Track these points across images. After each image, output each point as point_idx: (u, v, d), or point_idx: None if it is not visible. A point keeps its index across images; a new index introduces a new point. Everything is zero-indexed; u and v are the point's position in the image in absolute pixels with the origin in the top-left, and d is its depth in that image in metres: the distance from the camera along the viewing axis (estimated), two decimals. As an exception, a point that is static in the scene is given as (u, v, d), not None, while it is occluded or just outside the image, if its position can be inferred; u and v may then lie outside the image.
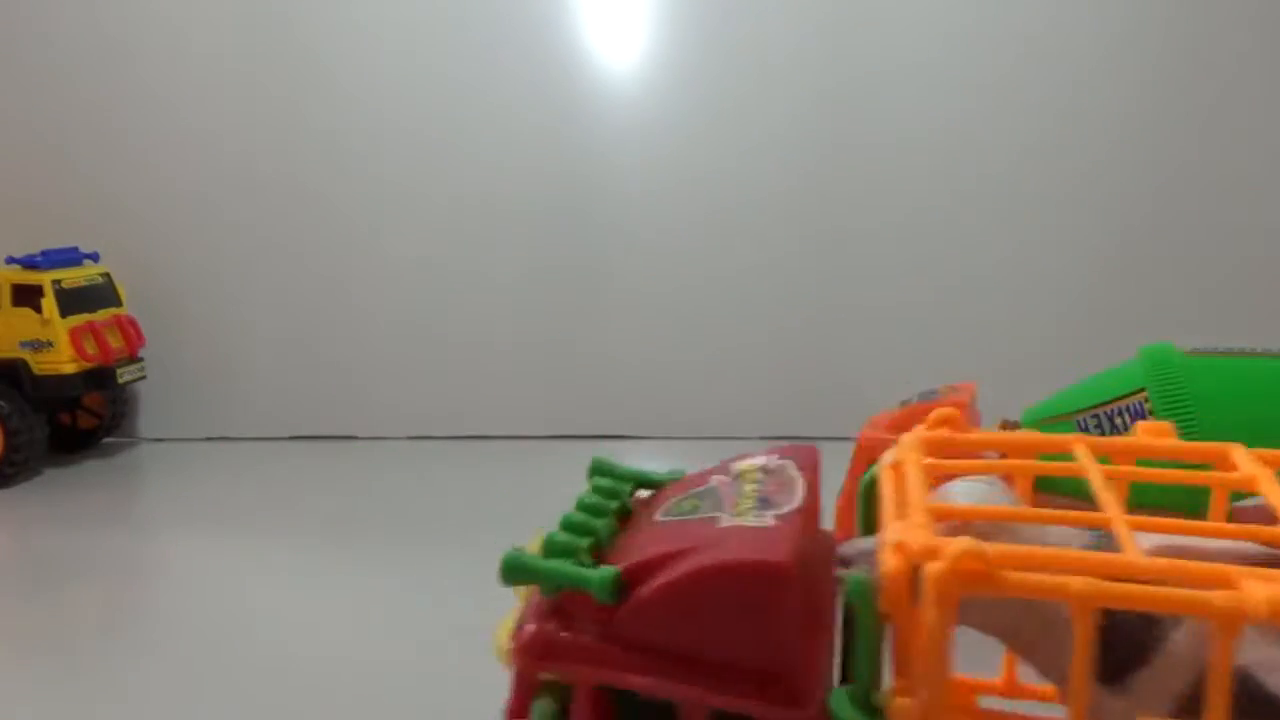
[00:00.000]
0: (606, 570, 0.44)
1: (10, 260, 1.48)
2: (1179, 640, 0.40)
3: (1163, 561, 0.37)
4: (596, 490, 0.52)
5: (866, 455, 0.89)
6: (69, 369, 1.45)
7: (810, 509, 0.47)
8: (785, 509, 0.46)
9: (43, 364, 1.45)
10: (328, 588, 1.03)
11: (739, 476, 0.51)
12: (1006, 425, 0.94)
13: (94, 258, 1.56)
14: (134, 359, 1.55)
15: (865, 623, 0.41)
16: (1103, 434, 0.82)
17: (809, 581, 0.44)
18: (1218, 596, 0.35)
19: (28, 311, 1.44)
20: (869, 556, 0.42)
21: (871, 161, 1.56)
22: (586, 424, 1.60)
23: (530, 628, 0.45)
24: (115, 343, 1.52)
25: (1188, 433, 0.79)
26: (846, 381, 1.55)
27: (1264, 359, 0.83)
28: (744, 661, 0.43)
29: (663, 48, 1.56)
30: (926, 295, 1.56)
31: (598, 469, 0.55)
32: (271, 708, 0.81)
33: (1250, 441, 0.59)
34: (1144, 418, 0.80)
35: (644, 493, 0.56)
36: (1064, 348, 1.50)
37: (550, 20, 1.55)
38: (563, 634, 0.45)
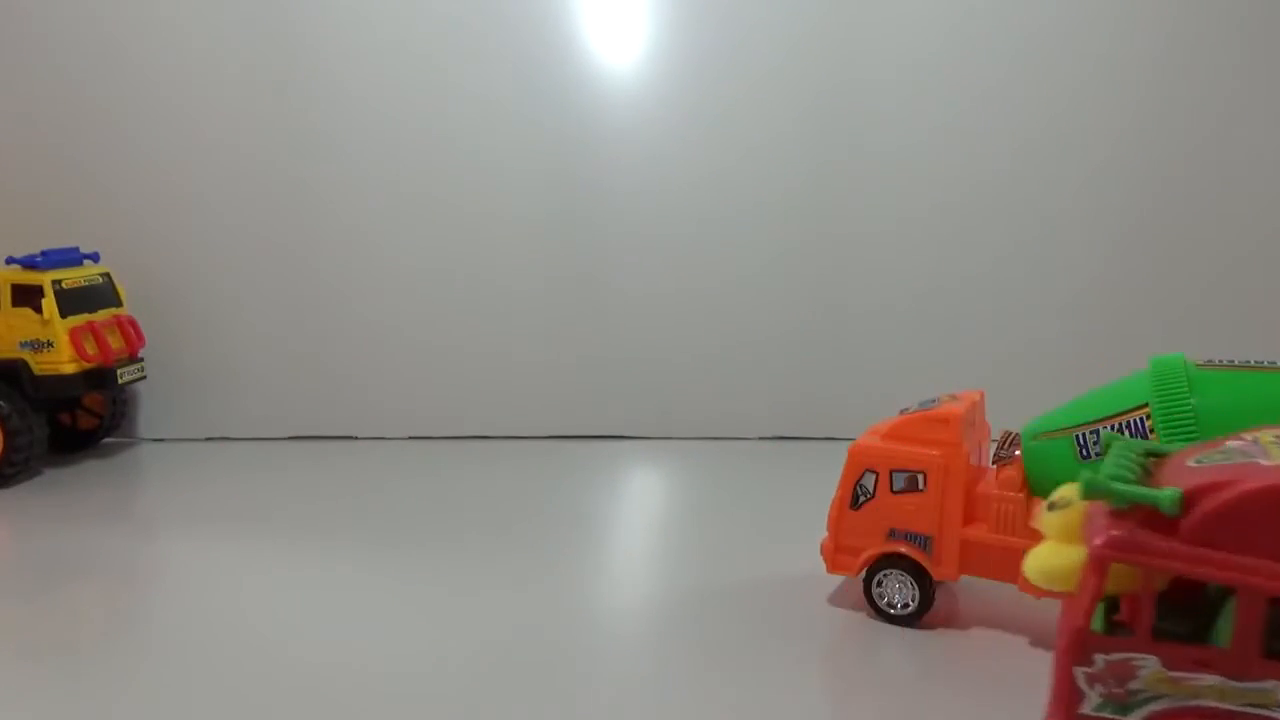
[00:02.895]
0: (1172, 490, 0.55)
1: (10, 260, 1.48)
2: None
3: None
4: (1117, 455, 0.63)
5: (857, 463, 0.93)
6: (69, 369, 1.45)
7: None
8: None
9: (43, 364, 1.45)
10: (328, 588, 1.02)
11: (1256, 440, 0.61)
12: (1007, 436, 0.96)
13: (94, 258, 1.55)
14: (134, 359, 1.55)
15: None
16: (1102, 455, 0.78)
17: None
18: None
19: (28, 311, 1.44)
20: None
21: (876, 163, 1.55)
22: (586, 424, 1.59)
23: (1111, 529, 0.57)
24: (115, 343, 1.51)
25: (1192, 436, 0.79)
26: (850, 383, 1.55)
27: (1275, 373, 0.83)
28: None
29: (664, 51, 1.56)
30: (932, 297, 1.55)
31: (1109, 442, 0.66)
32: (271, 708, 0.80)
33: None
34: (1145, 435, 0.82)
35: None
36: (1075, 353, 1.53)
37: (552, 23, 1.56)
38: (1139, 534, 0.57)
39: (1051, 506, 0.64)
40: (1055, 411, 0.91)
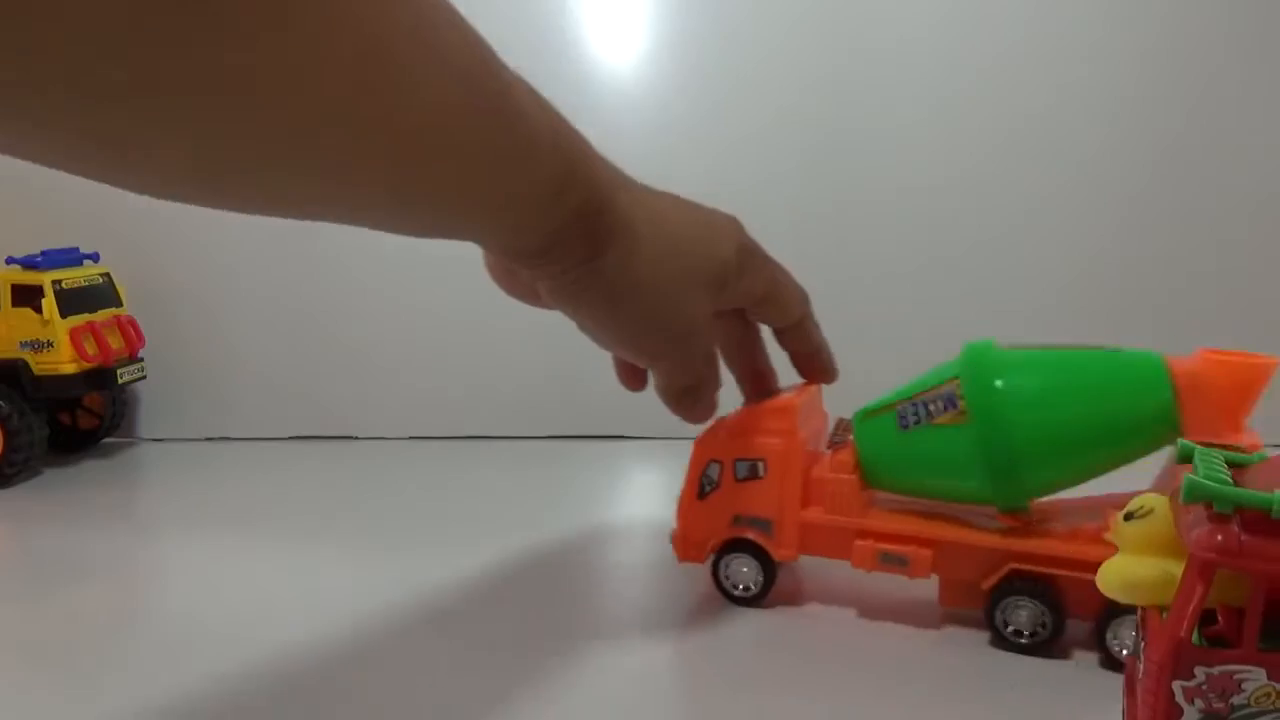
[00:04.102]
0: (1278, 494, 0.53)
1: (10, 260, 1.48)
2: None
3: None
4: (1204, 461, 0.61)
5: (702, 455, 0.99)
6: (69, 369, 1.44)
7: None
8: None
9: (43, 364, 1.44)
10: (328, 588, 1.02)
11: None
12: (840, 423, 1.03)
13: (94, 258, 1.55)
14: (134, 359, 1.55)
15: None
16: (918, 420, 0.91)
17: None
18: None
19: (28, 311, 1.44)
20: None
21: (873, 155, 1.58)
22: (586, 424, 1.59)
23: (1216, 534, 0.55)
24: (115, 343, 1.51)
25: (993, 417, 0.88)
26: (848, 381, 1.55)
27: (1076, 351, 0.92)
28: None
29: (661, 47, 1.58)
30: (930, 292, 1.57)
31: (1188, 451, 0.63)
32: (271, 708, 0.81)
33: (1051, 429, 0.87)
34: (955, 404, 0.89)
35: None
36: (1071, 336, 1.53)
37: (549, 19, 1.58)
38: (1247, 538, 0.54)
39: (1129, 517, 0.63)
40: (884, 395, 0.97)
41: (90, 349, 1.46)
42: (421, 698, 0.82)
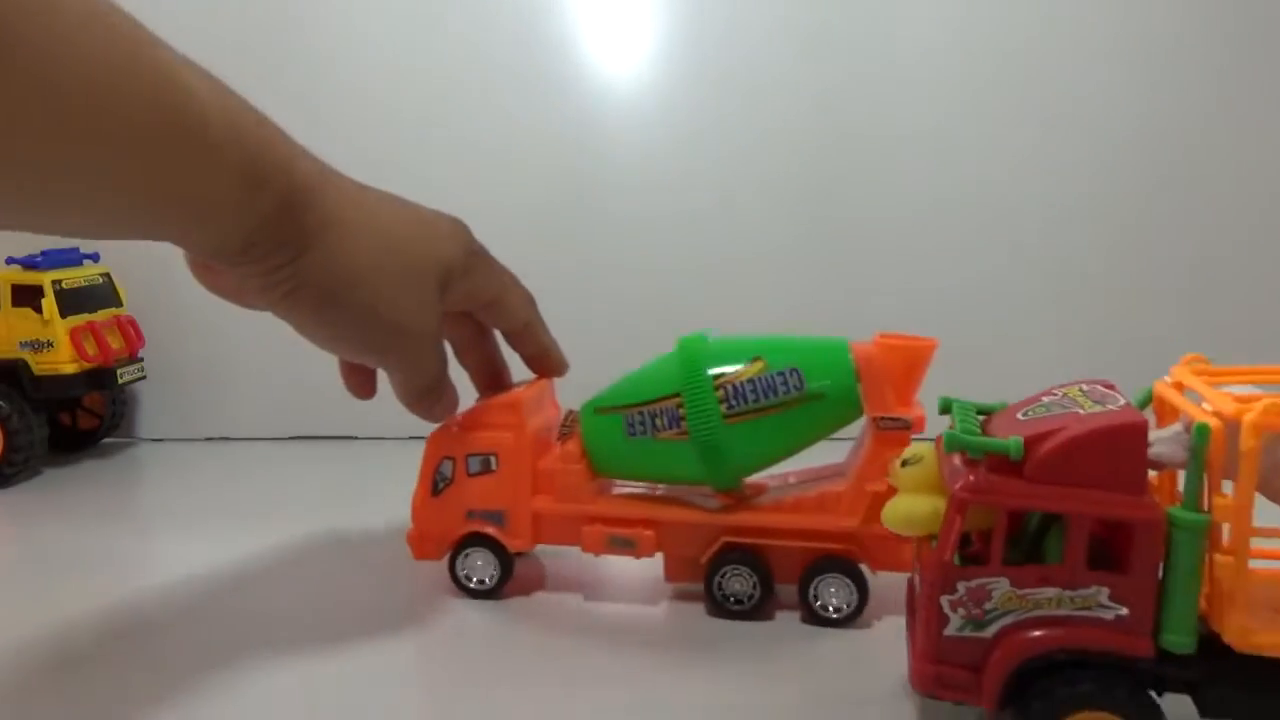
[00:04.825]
0: (1016, 439, 0.68)
1: (10, 260, 1.52)
2: None
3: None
4: (960, 414, 0.76)
5: (435, 452, 1.04)
6: (69, 369, 1.49)
7: (1132, 409, 0.70)
8: (1119, 404, 0.71)
9: (43, 364, 1.49)
10: (328, 587, 1.06)
11: (1065, 394, 0.75)
12: (569, 415, 1.09)
13: (94, 258, 1.60)
14: (134, 359, 1.59)
15: (1196, 462, 0.65)
16: (647, 432, 0.98)
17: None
18: None
19: (28, 311, 1.48)
20: (1175, 438, 0.68)
21: (876, 161, 1.60)
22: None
23: (969, 475, 0.69)
24: (115, 343, 1.56)
25: (714, 443, 0.95)
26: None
27: (774, 340, 0.99)
28: (1114, 486, 0.67)
29: (663, 47, 1.61)
30: (928, 293, 1.61)
31: (946, 405, 0.79)
32: (272, 707, 0.83)
33: (768, 442, 0.96)
34: (678, 424, 0.96)
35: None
36: (1061, 347, 1.59)
37: (551, 20, 1.60)
38: (992, 478, 0.69)
39: (905, 463, 0.77)
40: (611, 388, 1.03)
41: (90, 349, 1.51)
42: (421, 692, 0.86)
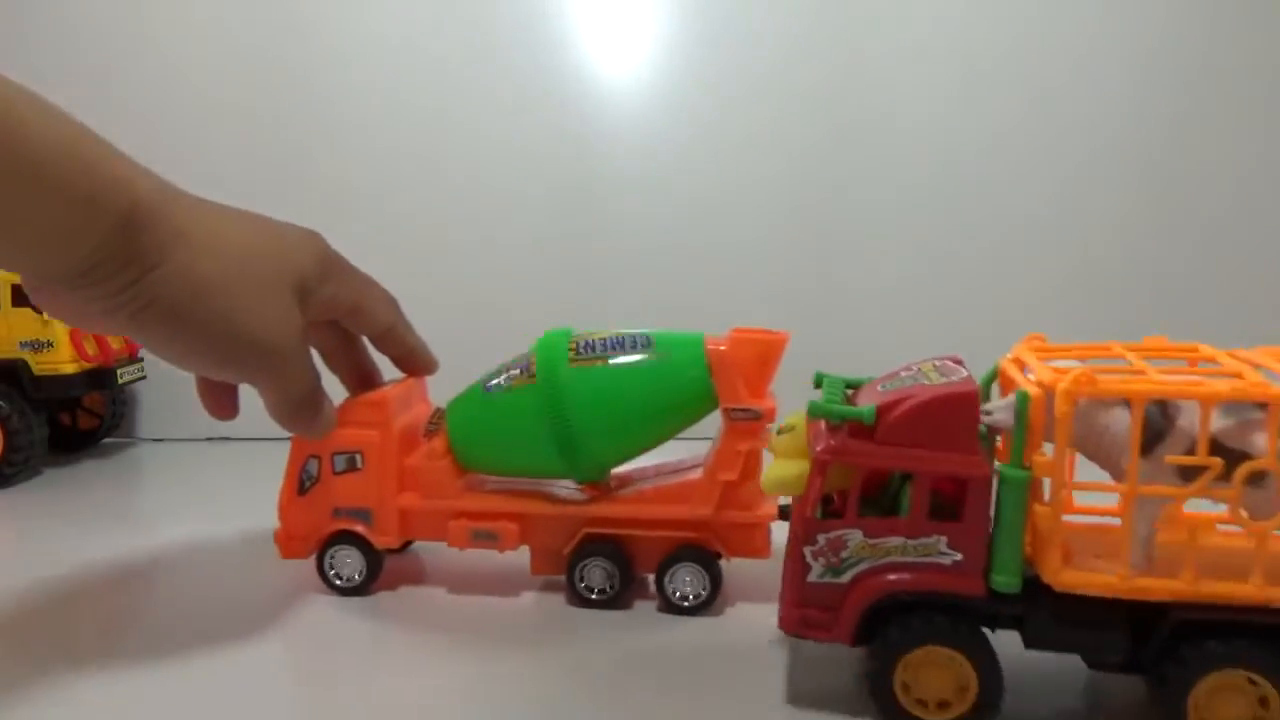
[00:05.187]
0: (869, 406, 0.77)
1: None
2: (1182, 423, 0.73)
3: (1174, 376, 0.76)
4: (828, 387, 0.85)
5: (301, 451, 1.05)
6: (69, 369, 1.51)
7: (970, 380, 0.80)
8: (961, 376, 0.80)
9: (43, 364, 1.50)
10: (326, 586, 1.08)
11: (919, 369, 0.83)
12: (436, 413, 1.10)
13: None
14: (134, 359, 1.62)
15: (1019, 424, 0.74)
16: (499, 385, 1.03)
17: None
18: (1199, 386, 0.72)
19: (28, 311, 1.49)
20: (1008, 406, 0.76)
21: (871, 157, 1.64)
22: None
23: (830, 439, 0.78)
24: (115, 343, 1.58)
25: (554, 380, 0.99)
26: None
27: (634, 336, 1.03)
28: (951, 446, 0.75)
29: (662, 44, 1.65)
30: (925, 292, 1.65)
31: (819, 379, 0.88)
32: (271, 706, 0.85)
33: (608, 407, 0.99)
34: (528, 369, 1.01)
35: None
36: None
37: (552, 17, 1.64)
38: (850, 441, 0.77)
39: (780, 432, 0.85)
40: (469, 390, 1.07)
41: (90, 349, 1.54)
42: (420, 694, 0.86)
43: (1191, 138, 1.60)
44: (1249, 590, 0.73)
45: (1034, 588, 0.77)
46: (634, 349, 1.01)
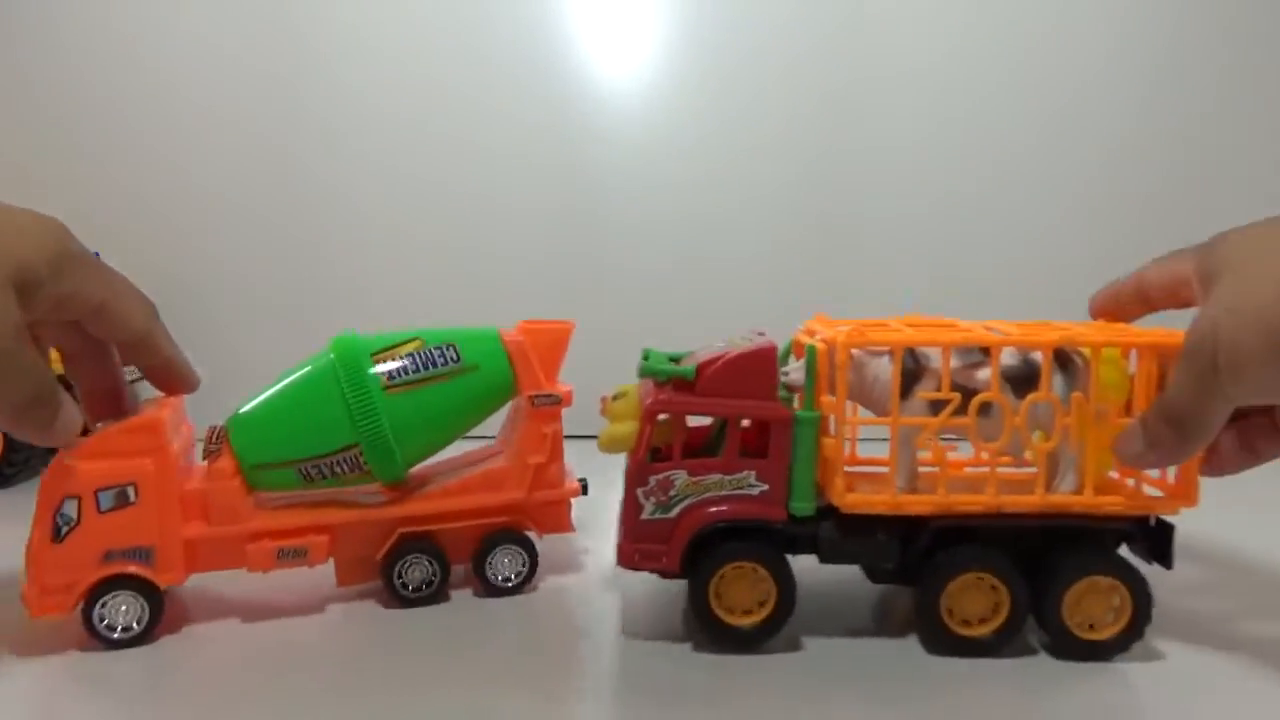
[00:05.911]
0: (690, 365, 0.90)
1: None
2: (931, 368, 0.89)
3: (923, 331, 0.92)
4: (654, 358, 0.95)
5: (53, 491, 0.92)
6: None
7: (770, 341, 0.92)
8: (764, 341, 0.92)
9: None
10: (327, 586, 1.06)
11: (730, 340, 0.94)
12: (213, 431, 1.01)
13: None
14: None
15: (810, 374, 0.89)
16: (323, 477, 0.99)
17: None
18: (939, 335, 0.90)
19: None
20: (801, 366, 0.90)
21: (872, 162, 1.68)
22: (587, 423, 1.65)
23: (659, 395, 0.90)
24: None
25: (388, 453, 0.99)
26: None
27: (429, 334, 1.05)
28: (757, 395, 0.88)
29: (665, 51, 1.69)
30: (924, 294, 1.65)
31: (648, 354, 0.96)
32: (272, 705, 0.84)
33: (419, 412, 1.00)
34: (360, 466, 0.99)
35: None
36: None
37: (556, 25, 1.68)
38: (675, 395, 0.90)
39: (615, 398, 0.95)
40: (268, 434, 0.99)
41: None
42: (421, 691, 0.86)
43: (1194, 139, 1.63)
44: (983, 499, 0.89)
45: (825, 512, 0.91)
46: (444, 364, 1.02)
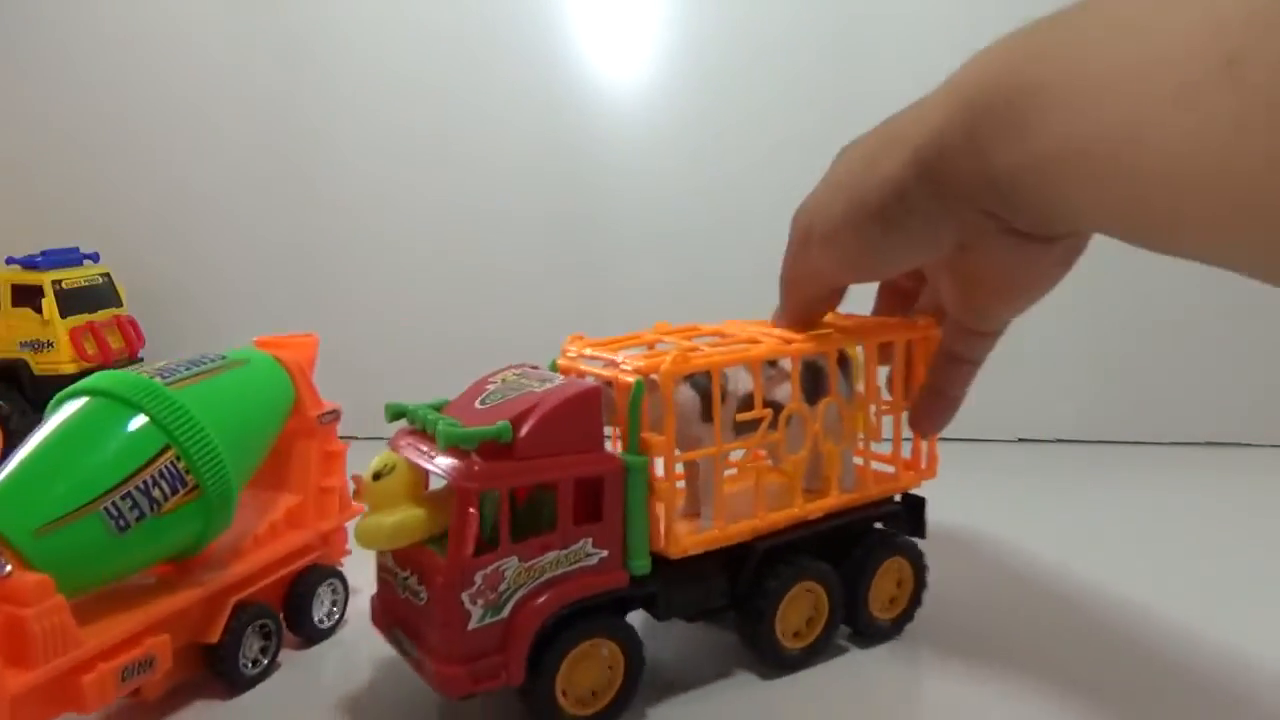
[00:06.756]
0: (503, 423, 0.76)
1: (10, 260, 1.52)
2: (735, 390, 0.85)
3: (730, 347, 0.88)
4: (423, 413, 0.82)
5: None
6: (69, 369, 1.49)
7: (585, 379, 0.84)
8: (561, 379, 0.83)
9: (43, 364, 1.49)
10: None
11: (504, 380, 0.85)
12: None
13: (94, 258, 1.61)
14: (134, 359, 1.60)
15: (634, 413, 0.80)
16: (140, 515, 0.81)
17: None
18: (747, 350, 0.86)
19: (28, 311, 1.49)
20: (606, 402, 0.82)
21: None
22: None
23: (472, 467, 0.75)
24: (115, 343, 1.58)
25: (225, 483, 0.86)
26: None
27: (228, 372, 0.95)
28: (585, 447, 0.79)
29: (667, 55, 1.71)
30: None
31: (396, 409, 0.85)
32: (271, 704, 0.88)
33: (239, 453, 0.89)
34: (183, 481, 0.83)
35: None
36: (1059, 360, 1.73)
37: (557, 28, 1.70)
38: (490, 463, 0.76)
39: (377, 476, 0.79)
40: (44, 488, 0.80)
41: (90, 349, 1.51)
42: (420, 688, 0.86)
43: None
44: (793, 511, 0.89)
45: (657, 564, 0.83)
46: (209, 361, 0.93)
